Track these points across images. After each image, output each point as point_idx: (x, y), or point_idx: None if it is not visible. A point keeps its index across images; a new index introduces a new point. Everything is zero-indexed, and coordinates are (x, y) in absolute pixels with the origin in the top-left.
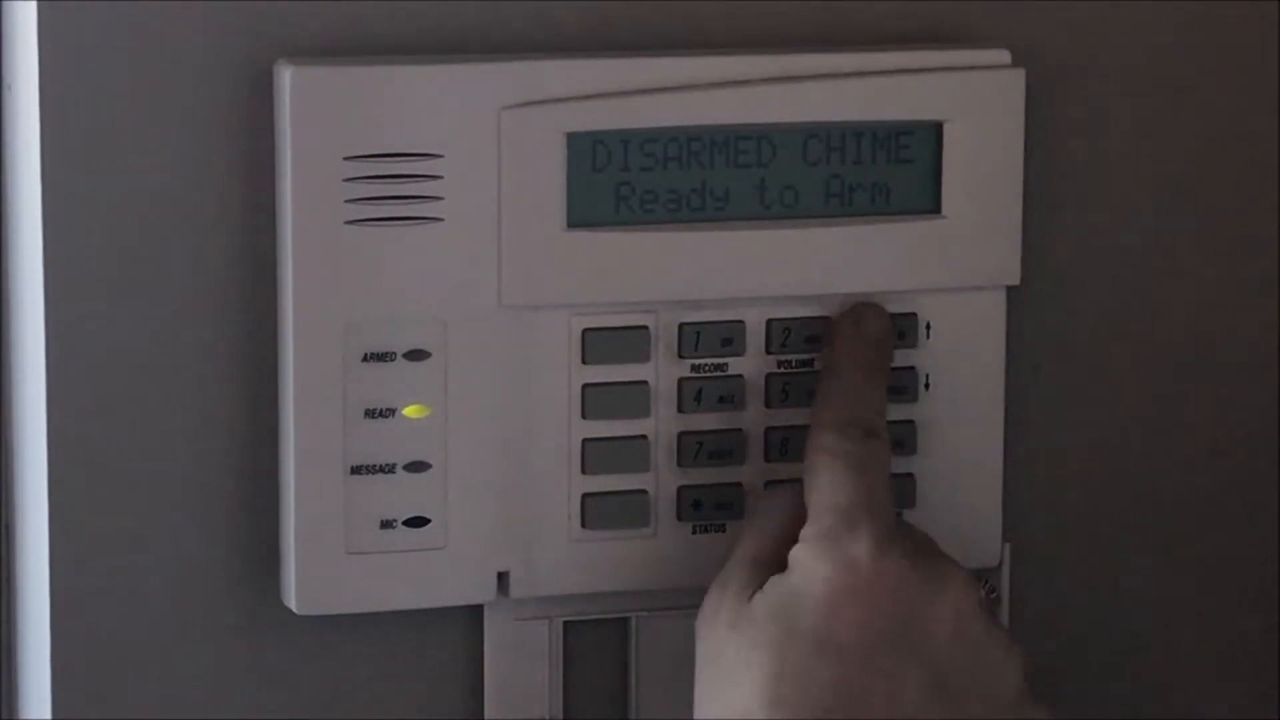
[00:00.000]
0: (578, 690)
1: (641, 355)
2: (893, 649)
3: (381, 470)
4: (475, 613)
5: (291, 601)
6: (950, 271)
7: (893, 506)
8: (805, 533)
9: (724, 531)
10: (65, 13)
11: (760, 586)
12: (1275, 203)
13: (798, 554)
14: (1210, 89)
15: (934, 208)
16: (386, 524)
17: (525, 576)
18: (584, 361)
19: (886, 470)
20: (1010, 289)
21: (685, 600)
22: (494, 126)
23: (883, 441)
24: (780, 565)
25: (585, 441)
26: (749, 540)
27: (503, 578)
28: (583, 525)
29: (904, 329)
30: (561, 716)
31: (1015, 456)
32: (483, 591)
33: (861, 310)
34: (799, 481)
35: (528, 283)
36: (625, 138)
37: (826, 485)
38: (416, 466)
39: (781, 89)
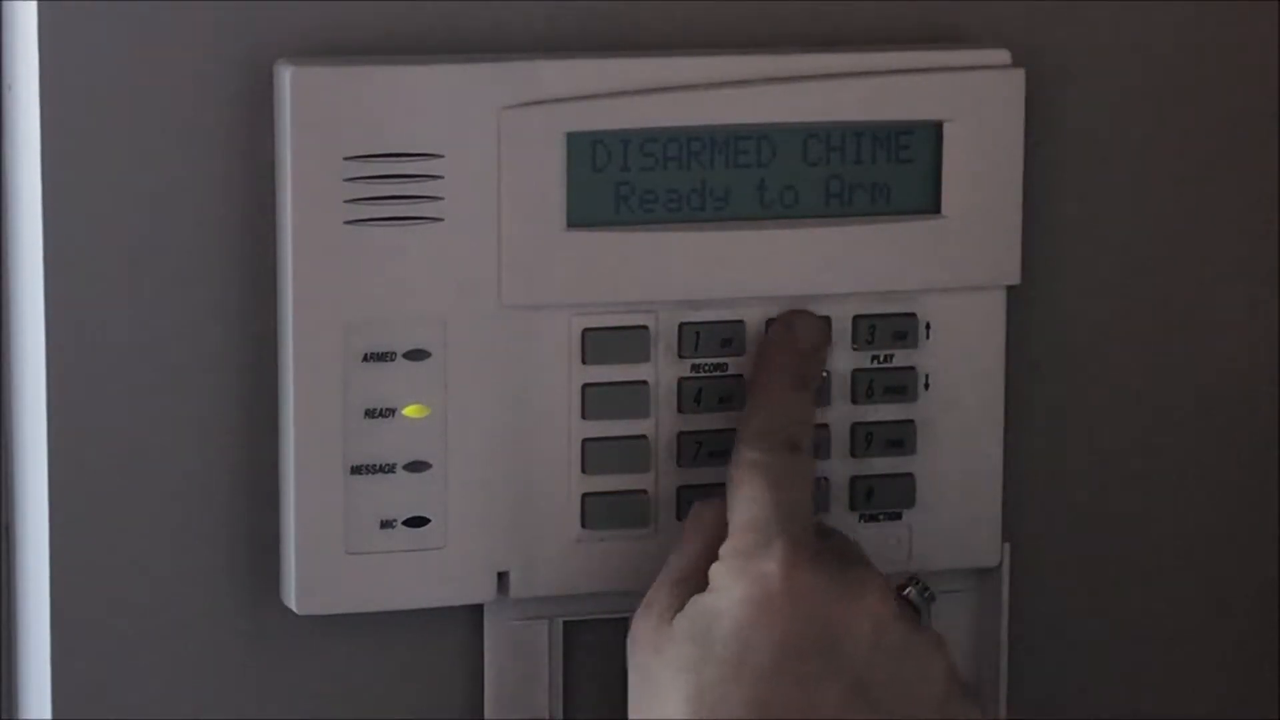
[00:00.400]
0: (578, 690)
1: (641, 355)
2: (810, 663)
3: (381, 470)
4: (475, 613)
5: (291, 601)
6: (950, 271)
7: (811, 518)
8: (723, 550)
9: None
10: (65, 13)
11: (683, 607)
12: (1275, 203)
13: (715, 572)
14: (1210, 89)
15: (934, 207)
16: (386, 524)
17: (525, 576)
18: (584, 361)
19: (807, 483)
20: (1010, 289)
21: None
22: (494, 126)
23: (804, 454)
24: (703, 583)
25: (585, 441)
26: (674, 559)
27: (503, 578)
28: (583, 525)
29: (904, 329)
30: (561, 716)
31: (1015, 456)
32: (483, 591)
33: (793, 318)
34: (725, 496)
35: (528, 283)
36: (625, 138)
37: (744, 501)
38: (416, 466)
39: (781, 89)
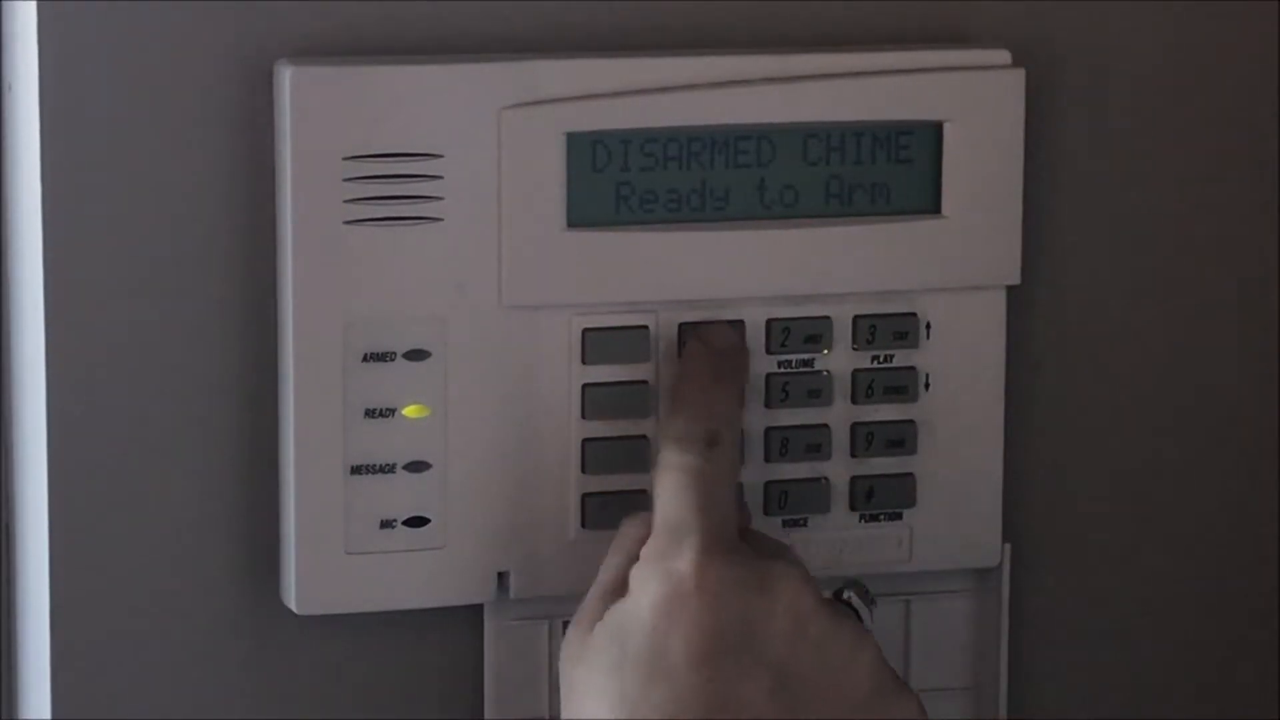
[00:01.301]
0: None
1: (641, 355)
2: (727, 659)
3: (381, 470)
4: (475, 613)
5: (291, 601)
6: (950, 271)
7: (732, 513)
8: (642, 553)
9: None
10: (65, 13)
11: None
12: (1275, 203)
13: (633, 576)
14: (1210, 89)
15: (934, 208)
16: (386, 524)
17: (525, 576)
18: (584, 361)
19: (728, 478)
20: (1010, 289)
21: None
22: (494, 126)
23: (724, 449)
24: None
25: (585, 441)
26: (603, 572)
27: (503, 578)
28: (583, 525)
29: (904, 329)
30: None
31: (1015, 456)
32: (483, 591)
33: (707, 327)
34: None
35: (528, 283)
36: (625, 138)
37: (663, 503)
38: (416, 466)
39: (781, 89)
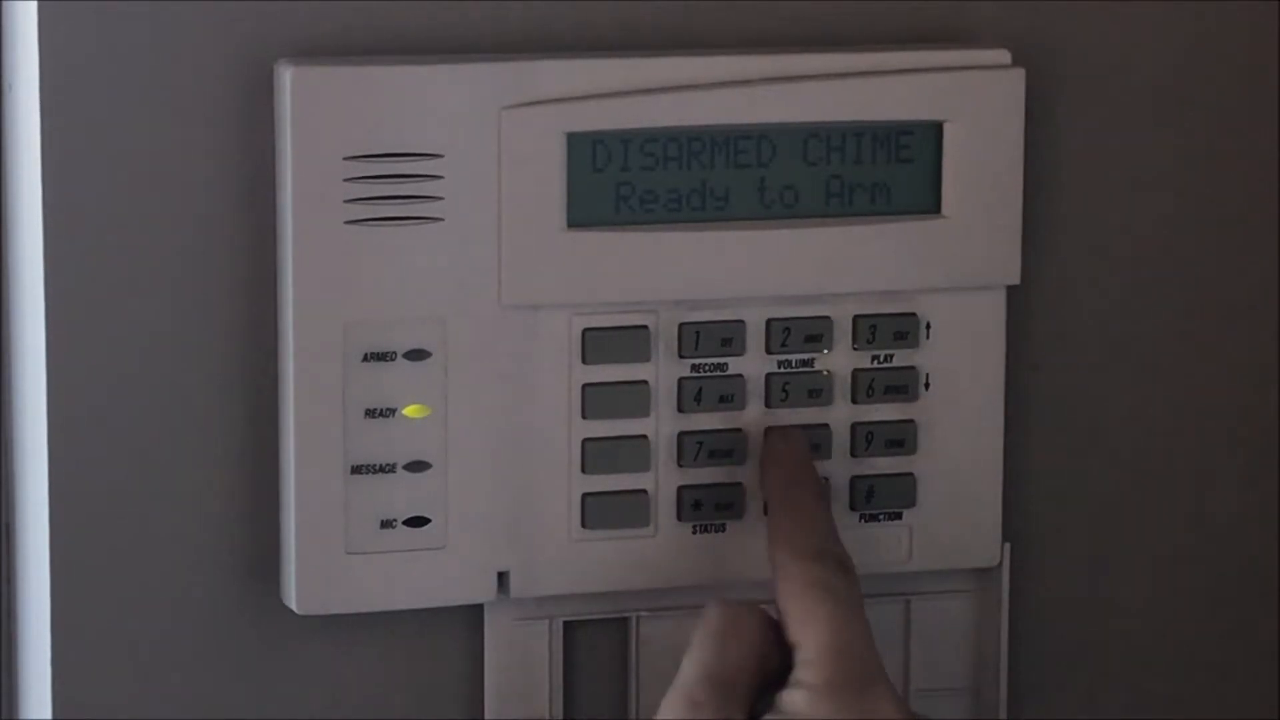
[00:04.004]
0: (578, 690)
1: (641, 355)
2: None
3: (381, 470)
4: (475, 613)
5: (291, 601)
6: (950, 271)
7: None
8: (805, 678)
9: (724, 531)
10: (65, 13)
11: (733, 715)
12: (1275, 203)
13: (802, 704)
14: (1210, 89)
15: (934, 208)
16: (386, 524)
17: (525, 576)
18: (584, 361)
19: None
20: (1010, 289)
21: (685, 600)
22: (494, 126)
23: (855, 574)
24: (745, 692)
25: (585, 441)
26: (705, 654)
27: (503, 578)
28: (583, 525)
29: (904, 329)
30: (561, 716)
31: (1015, 456)
32: (483, 591)
33: (784, 433)
34: (754, 603)
35: (528, 283)
36: (625, 138)
37: (826, 626)
38: (416, 466)
39: (781, 89)
